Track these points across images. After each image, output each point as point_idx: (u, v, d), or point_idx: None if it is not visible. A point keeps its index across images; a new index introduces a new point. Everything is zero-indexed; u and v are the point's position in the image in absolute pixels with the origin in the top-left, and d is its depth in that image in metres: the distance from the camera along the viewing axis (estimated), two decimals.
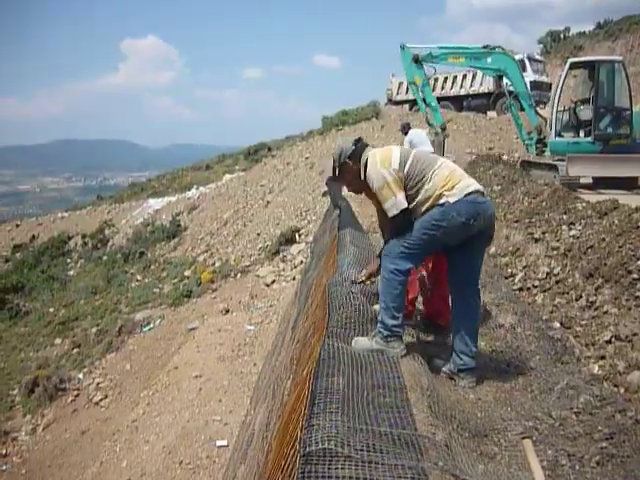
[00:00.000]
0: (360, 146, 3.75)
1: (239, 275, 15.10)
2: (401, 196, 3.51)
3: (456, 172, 3.63)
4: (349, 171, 3.75)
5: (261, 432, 4.99)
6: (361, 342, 3.51)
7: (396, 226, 3.58)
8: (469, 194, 3.52)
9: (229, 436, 7.94)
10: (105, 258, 22.86)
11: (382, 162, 3.57)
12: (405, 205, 3.51)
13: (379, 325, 3.54)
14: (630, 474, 2.67)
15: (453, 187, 3.52)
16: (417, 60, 12.53)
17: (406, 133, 11.19)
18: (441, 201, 3.50)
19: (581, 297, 4.93)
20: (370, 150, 3.74)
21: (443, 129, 12.82)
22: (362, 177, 3.68)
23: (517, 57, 14.92)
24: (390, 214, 3.55)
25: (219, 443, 7.93)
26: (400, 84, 26.07)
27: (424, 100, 13.21)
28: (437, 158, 3.77)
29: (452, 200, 3.49)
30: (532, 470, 2.51)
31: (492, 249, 6.89)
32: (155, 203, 28.57)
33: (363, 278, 4.16)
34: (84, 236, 26.28)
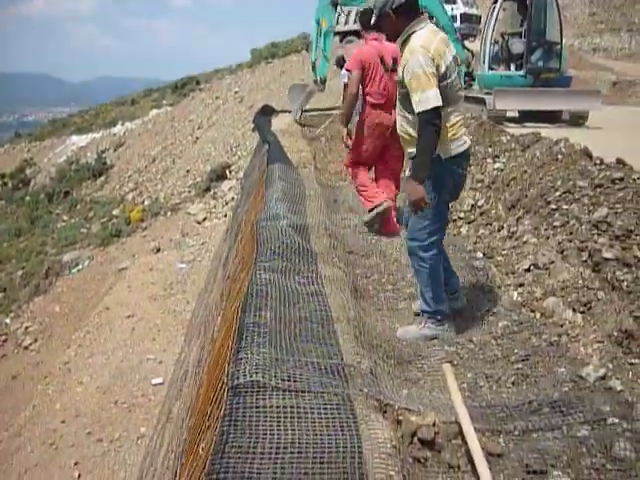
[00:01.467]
0: (414, 6, 3.29)
1: (169, 213, 14.83)
2: (436, 91, 3.10)
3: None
4: (389, 25, 3.30)
5: (194, 368, 5.02)
6: (411, 332, 3.50)
7: (426, 131, 3.14)
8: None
9: (164, 374, 7.96)
10: (28, 199, 21.92)
11: (424, 46, 3.14)
12: (440, 102, 3.09)
13: (425, 312, 3.51)
14: (543, 392, 2.85)
15: (463, 135, 3.43)
16: (336, 4, 11.67)
17: (341, 67, 11.00)
18: (461, 148, 3.37)
19: (503, 228, 5.09)
20: (424, 24, 3.28)
21: (323, 82, 12.06)
22: (398, 43, 3.33)
23: None
24: (421, 108, 3.11)
25: (154, 381, 7.95)
26: (349, 13, 25.05)
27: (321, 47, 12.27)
28: None
29: (462, 149, 3.39)
30: (450, 392, 2.64)
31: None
32: (79, 140, 27.40)
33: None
34: (3, 176, 25.05)
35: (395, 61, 4.93)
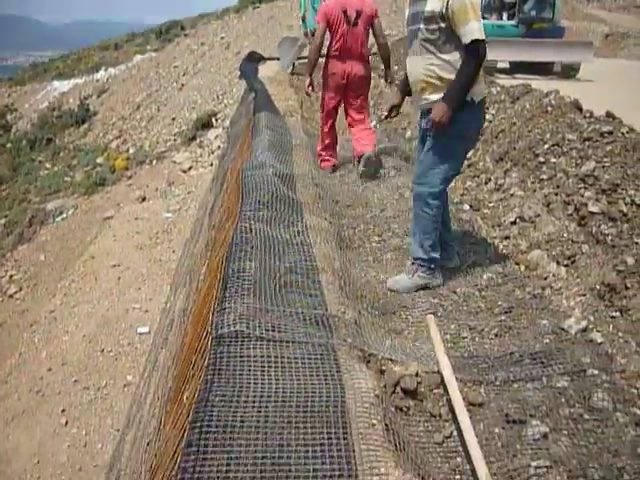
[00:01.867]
0: None
1: (155, 161, 14.62)
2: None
3: None
4: None
5: (180, 317, 5.04)
6: (402, 282, 3.47)
7: (474, 63, 3.07)
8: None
9: (150, 323, 7.98)
10: (9, 145, 21.44)
11: None
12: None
13: (419, 259, 3.45)
14: (524, 343, 2.88)
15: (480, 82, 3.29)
16: None
17: None
18: (485, 91, 3.36)
19: (490, 180, 5.08)
20: None
21: (313, 35, 11.70)
22: None
23: None
24: (476, 36, 3.00)
25: (140, 330, 7.98)
26: None
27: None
28: None
29: (486, 92, 3.42)
30: (433, 343, 2.66)
31: (408, 133, 6.93)
32: (61, 85, 26.71)
33: (386, 114, 3.95)
34: None
35: (358, 14, 5.35)
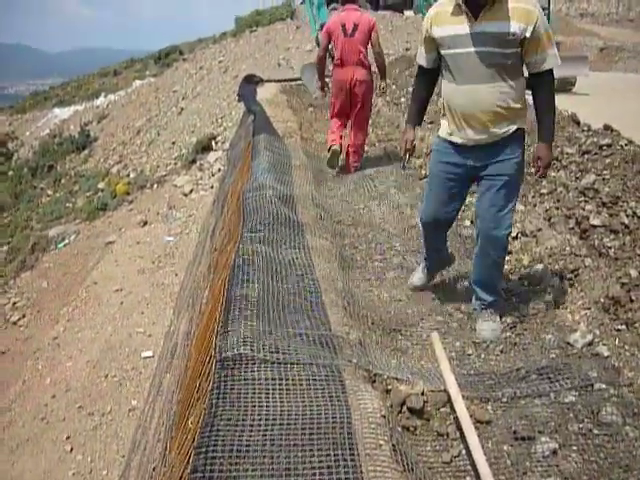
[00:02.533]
0: None
1: (156, 186, 14.66)
2: None
3: None
4: None
5: (183, 341, 5.02)
6: (494, 327, 3.16)
7: (553, 87, 2.90)
8: None
9: (154, 347, 7.94)
10: (10, 173, 21.56)
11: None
12: None
13: (496, 302, 3.24)
14: (530, 359, 2.87)
15: None
16: None
17: None
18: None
19: None
20: None
21: (331, 56, 11.77)
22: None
23: None
24: (554, 63, 2.82)
25: (144, 354, 7.94)
26: None
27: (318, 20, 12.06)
28: None
29: None
30: (439, 361, 2.64)
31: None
32: (61, 113, 26.90)
33: (406, 158, 3.48)
34: None
35: (355, 27, 5.98)
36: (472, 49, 2.78)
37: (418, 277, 3.68)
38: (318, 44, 11.61)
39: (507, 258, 4.12)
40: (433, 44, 2.98)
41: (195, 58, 25.14)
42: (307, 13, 12.30)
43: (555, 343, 2.97)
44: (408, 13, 22.48)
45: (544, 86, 2.84)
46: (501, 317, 3.22)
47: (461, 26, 2.80)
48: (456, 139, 3.04)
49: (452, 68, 2.90)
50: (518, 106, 2.88)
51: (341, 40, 6.05)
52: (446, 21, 2.87)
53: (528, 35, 2.71)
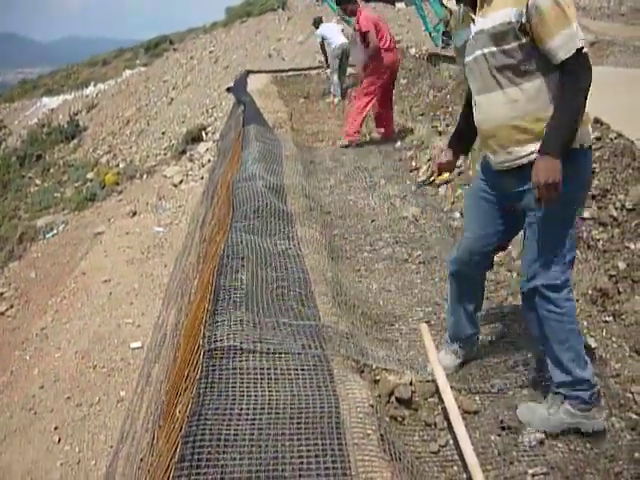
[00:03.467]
0: None
1: (145, 176, 14.59)
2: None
3: None
4: None
5: (172, 332, 5.01)
6: (539, 415, 2.35)
7: (588, 72, 2.09)
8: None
9: (143, 338, 7.93)
10: None
11: None
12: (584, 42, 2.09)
13: (569, 386, 2.29)
14: (518, 351, 2.87)
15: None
16: None
17: (317, 27, 11.00)
18: (589, 141, 2.26)
19: None
20: None
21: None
22: None
23: None
24: (578, 44, 2.08)
25: (133, 345, 7.92)
26: None
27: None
28: None
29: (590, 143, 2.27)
30: (427, 351, 2.65)
31: (398, 143, 6.95)
32: (50, 102, 26.68)
33: (428, 175, 2.98)
34: None
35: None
36: (475, 53, 2.32)
37: (448, 358, 2.79)
38: (440, 42, 11.83)
39: None
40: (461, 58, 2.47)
41: (185, 48, 24.99)
42: (417, 12, 12.49)
43: None
44: (400, 5, 22.36)
45: (567, 79, 2.10)
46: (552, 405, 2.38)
47: (468, 29, 2.38)
48: (487, 161, 2.50)
49: (469, 80, 2.43)
50: (546, 115, 2.14)
51: (386, 29, 7.11)
52: (460, 28, 2.52)
53: (524, 20, 2.10)
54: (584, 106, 2.11)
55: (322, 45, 11.16)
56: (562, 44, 2.06)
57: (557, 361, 2.30)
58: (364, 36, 6.87)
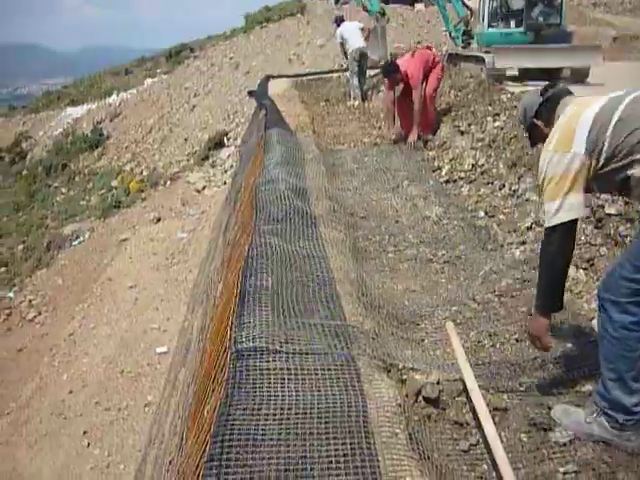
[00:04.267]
0: (552, 97, 2.43)
1: (168, 182, 14.73)
2: (573, 198, 2.19)
3: None
4: (539, 136, 2.47)
5: (198, 335, 5.04)
6: (573, 417, 2.31)
7: (549, 247, 2.29)
8: None
9: (169, 343, 7.99)
10: (25, 172, 21.75)
11: (560, 142, 2.24)
12: (576, 214, 2.22)
13: (609, 407, 2.20)
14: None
15: None
16: None
17: (338, 25, 10.96)
18: None
19: (504, 186, 5.05)
20: (570, 102, 2.38)
21: (382, 14, 12.40)
22: None
23: None
24: (547, 222, 2.28)
25: (159, 350, 7.98)
26: None
27: None
28: None
29: None
30: (454, 349, 2.63)
31: (420, 143, 6.93)
32: (74, 111, 27.06)
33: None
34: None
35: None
36: None
37: (629, 444, 2.24)
38: (460, 41, 11.87)
39: (522, 249, 4.10)
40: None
41: (206, 55, 25.20)
42: (439, 11, 12.49)
43: (571, 332, 2.94)
44: (419, 6, 22.33)
45: None
46: (588, 414, 2.29)
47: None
48: None
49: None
50: None
51: (420, 59, 7.25)
52: None
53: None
54: (548, 274, 2.34)
55: (342, 45, 11.12)
56: (544, 212, 2.33)
57: (602, 374, 2.24)
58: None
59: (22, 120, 29.95)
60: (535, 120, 2.47)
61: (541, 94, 2.47)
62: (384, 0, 23.51)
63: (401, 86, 7.40)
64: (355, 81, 10.55)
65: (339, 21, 11.13)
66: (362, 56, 10.52)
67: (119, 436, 6.56)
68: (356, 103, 10.42)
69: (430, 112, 7.34)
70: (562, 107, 2.38)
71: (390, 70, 7.22)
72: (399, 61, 7.33)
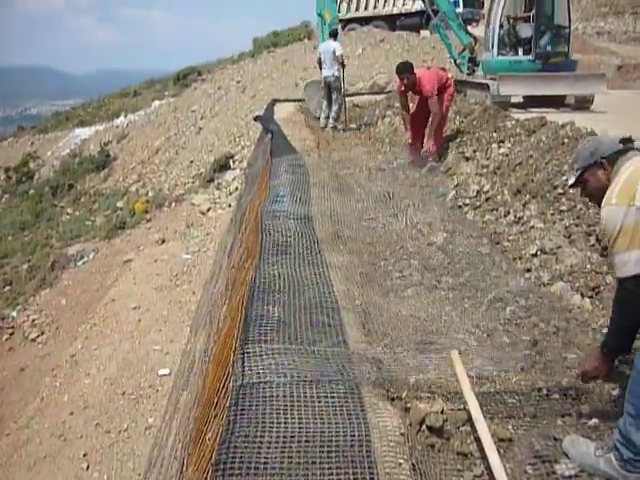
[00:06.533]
0: (624, 150, 2.48)
1: (173, 204, 14.79)
2: None
3: None
4: (595, 178, 2.51)
5: (201, 358, 5.02)
6: (582, 450, 2.31)
7: (621, 294, 2.40)
8: None
9: (171, 365, 7.96)
10: (32, 192, 21.87)
11: (621, 192, 2.30)
12: None
13: (620, 440, 2.20)
14: (551, 378, 2.82)
15: None
16: None
17: (335, 39, 10.65)
18: None
19: (509, 213, 5.05)
20: (632, 158, 2.44)
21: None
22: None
23: None
24: (619, 273, 2.34)
25: (161, 372, 7.96)
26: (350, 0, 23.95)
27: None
28: None
29: None
30: (459, 379, 2.61)
31: (424, 169, 6.95)
32: (82, 133, 27.29)
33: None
34: (7, 170, 24.89)
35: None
36: None
37: None
38: (466, 69, 11.83)
39: (527, 276, 4.09)
40: None
41: (213, 78, 25.43)
42: (317, 29, 12.08)
43: (577, 362, 2.91)
44: (424, 33, 22.54)
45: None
46: (600, 451, 2.29)
47: None
48: None
49: None
50: None
51: (434, 73, 7.35)
52: None
53: None
54: (620, 319, 2.45)
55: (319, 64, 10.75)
56: (614, 265, 2.38)
57: (625, 406, 2.25)
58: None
59: (30, 140, 30.19)
60: (602, 160, 2.48)
61: (620, 142, 2.51)
62: (391, 28, 23.63)
63: (416, 100, 7.32)
64: (323, 105, 10.39)
65: (335, 35, 10.72)
66: (327, 85, 10.21)
67: (119, 459, 6.51)
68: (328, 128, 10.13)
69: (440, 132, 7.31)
70: (622, 162, 2.44)
71: (403, 68, 7.00)
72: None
